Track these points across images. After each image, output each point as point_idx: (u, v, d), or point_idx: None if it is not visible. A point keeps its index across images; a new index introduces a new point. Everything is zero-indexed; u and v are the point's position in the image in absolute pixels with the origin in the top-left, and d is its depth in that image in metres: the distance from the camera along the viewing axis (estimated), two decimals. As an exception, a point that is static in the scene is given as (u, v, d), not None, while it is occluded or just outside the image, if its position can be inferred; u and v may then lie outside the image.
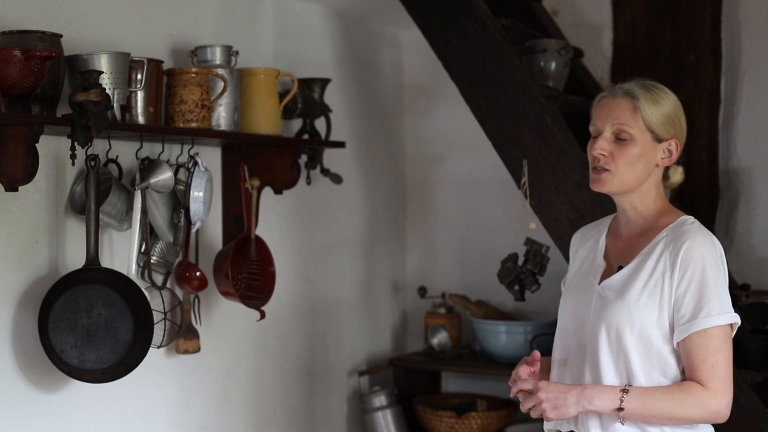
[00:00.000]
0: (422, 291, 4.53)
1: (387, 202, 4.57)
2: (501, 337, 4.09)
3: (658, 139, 2.43)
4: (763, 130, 3.98)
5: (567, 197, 3.34)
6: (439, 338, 4.32)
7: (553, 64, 3.73)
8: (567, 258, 2.86)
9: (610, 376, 2.39)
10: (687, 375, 2.36)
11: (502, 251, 3.60)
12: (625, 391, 2.33)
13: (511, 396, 2.47)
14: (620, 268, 2.46)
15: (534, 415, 2.38)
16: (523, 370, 2.44)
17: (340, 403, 4.23)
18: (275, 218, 3.84)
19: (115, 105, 2.92)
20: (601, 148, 2.43)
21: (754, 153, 3.99)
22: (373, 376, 4.32)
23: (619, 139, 2.42)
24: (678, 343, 2.35)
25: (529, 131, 3.39)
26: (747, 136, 4.01)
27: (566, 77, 3.80)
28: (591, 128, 2.48)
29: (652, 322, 2.36)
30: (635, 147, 2.42)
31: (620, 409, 2.32)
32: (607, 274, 2.49)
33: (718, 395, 2.31)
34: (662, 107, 2.44)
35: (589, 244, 2.60)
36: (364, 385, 4.27)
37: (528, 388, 2.40)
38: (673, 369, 2.37)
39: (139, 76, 3.02)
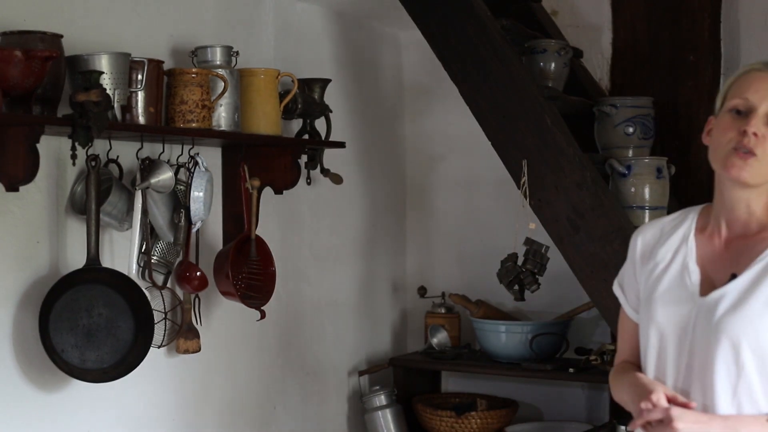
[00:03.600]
0: (422, 291, 4.53)
1: (387, 202, 4.57)
2: (501, 336, 4.09)
3: None
4: (763, 131, 3.98)
5: (566, 197, 3.34)
6: (439, 338, 4.32)
7: (553, 65, 3.74)
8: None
9: (725, 402, 2.04)
10: None
11: (502, 251, 3.61)
12: None
13: (629, 429, 2.10)
14: (733, 276, 2.07)
15: None
16: (662, 398, 2.04)
17: (340, 403, 4.23)
18: (275, 218, 3.84)
19: (115, 105, 2.92)
20: (756, 126, 2.03)
21: (753, 153, 3.99)
22: (373, 375, 4.33)
23: None
24: None
25: (529, 131, 3.40)
26: (746, 136, 4.00)
27: (566, 78, 3.81)
28: (735, 102, 2.08)
29: None
30: None
31: None
32: (706, 283, 2.12)
33: None
34: None
35: (671, 244, 2.21)
36: (364, 385, 4.27)
37: (657, 417, 2.01)
38: None
39: (139, 77, 3.02)
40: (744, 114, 2.07)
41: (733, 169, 2.06)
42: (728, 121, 2.09)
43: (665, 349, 2.13)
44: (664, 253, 2.20)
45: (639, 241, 2.28)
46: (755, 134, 2.04)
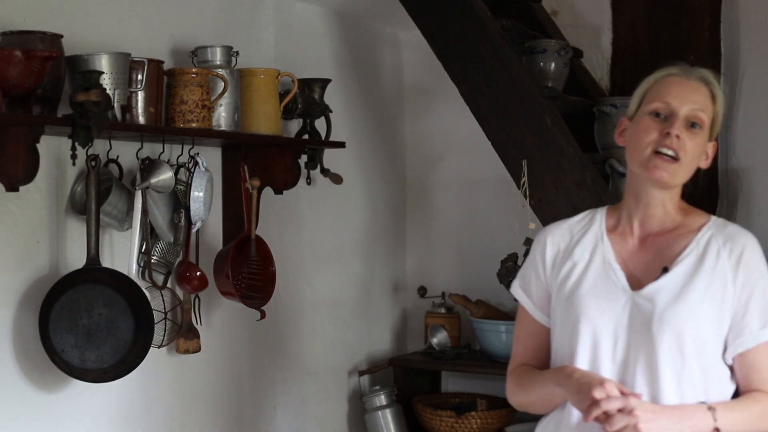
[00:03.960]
0: (422, 291, 4.53)
1: (387, 202, 4.56)
2: (501, 336, 4.09)
3: (709, 137, 2.21)
4: (763, 131, 3.98)
5: (566, 197, 3.33)
6: (439, 338, 4.31)
7: (553, 65, 3.74)
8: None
9: (671, 392, 2.11)
10: (750, 387, 2.14)
11: (502, 251, 3.60)
12: (711, 408, 2.08)
13: (586, 421, 2.06)
14: (665, 269, 2.16)
15: None
16: (614, 388, 2.06)
17: (340, 403, 4.23)
18: (275, 218, 3.84)
19: (115, 105, 2.92)
20: (678, 129, 2.13)
21: (753, 153, 3.98)
22: (373, 375, 4.32)
23: (691, 126, 2.16)
24: (738, 354, 2.13)
25: (529, 131, 3.39)
26: (746, 137, 3.99)
27: (566, 78, 3.81)
28: (656, 105, 2.17)
29: (713, 330, 2.11)
30: (704, 138, 2.18)
31: (717, 429, 2.07)
32: (630, 278, 2.19)
33: None
34: (723, 106, 2.24)
35: (586, 243, 2.26)
36: (364, 385, 4.27)
37: (618, 406, 2.03)
38: (728, 384, 2.15)
39: (139, 77, 3.02)
40: (663, 117, 2.17)
41: (656, 171, 2.14)
42: (649, 123, 2.17)
43: (599, 343, 2.16)
44: (581, 252, 2.26)
45: (548, 243, 2.32)
46: (677, 137, 2.13)
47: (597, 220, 2.30)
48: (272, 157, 3.58)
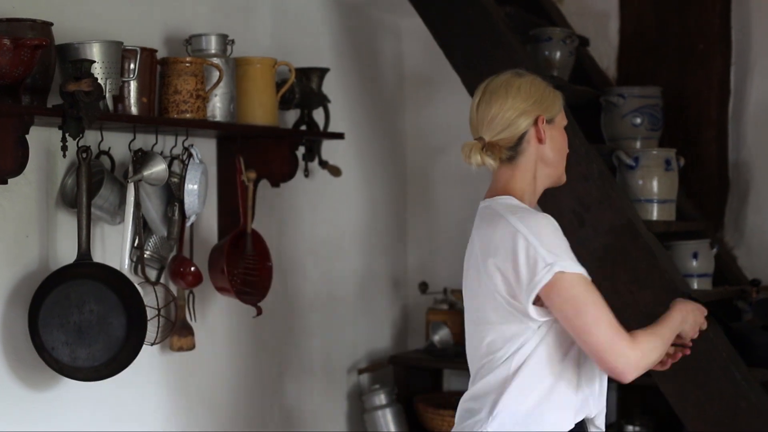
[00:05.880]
0: (423, 286, 4.51)
1: (387, 194, 4.55)
2: (504, 333, 4.05)
3: None
4: (775, 122, 3.97)
5: (572, 190, 3.29)
6: (441, 335, 4.30)
7: (558, 53, 3.74)
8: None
9: None
10: None
11: (506, 245, 3.55)
12: None
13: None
14: None
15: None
16: None
17: (339, 402, 4.21)
18: (272, 212, 3.81)
19: (107, 95, 2.89)
20: None
21: (764, 145, 3.99)
22: (373, 374, 4.32)
23: None
24: None
25: (534, 122, 3.36)
26: (757, 128, 4.00)
27: (571, 67, 3.82)
28: (565, 123, 2.51)
29: None
30: None
31: None
32: None
33: None
34: None
35: None
36: (363, 383, 4.26)
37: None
38: None
39: (132, 66, 2.99)
40: None
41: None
42: (564, 138, 2.48)
43: None
44: None
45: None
46: None
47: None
48: (269, 148, 3.56)
